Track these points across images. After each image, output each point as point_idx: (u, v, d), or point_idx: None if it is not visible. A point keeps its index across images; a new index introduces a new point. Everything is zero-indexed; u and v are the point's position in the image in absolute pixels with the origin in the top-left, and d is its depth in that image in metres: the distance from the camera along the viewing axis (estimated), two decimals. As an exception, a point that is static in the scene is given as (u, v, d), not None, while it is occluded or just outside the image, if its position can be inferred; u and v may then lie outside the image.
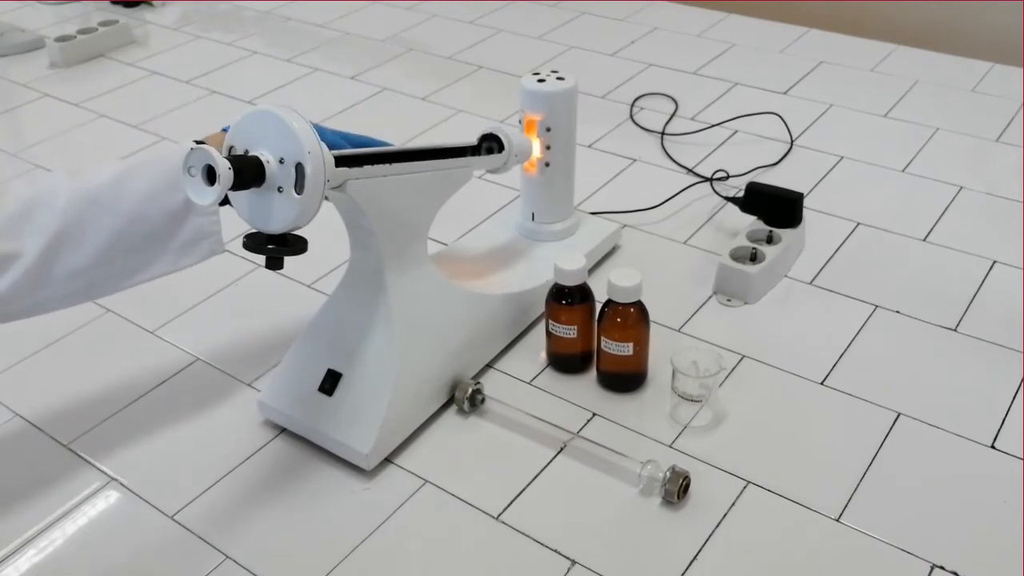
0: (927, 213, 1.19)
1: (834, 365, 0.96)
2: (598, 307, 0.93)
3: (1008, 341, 0.98)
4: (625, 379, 0.93)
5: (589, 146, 1.36)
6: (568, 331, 0.93)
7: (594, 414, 0.91)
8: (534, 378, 0.96)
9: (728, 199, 1.16)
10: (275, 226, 0.74)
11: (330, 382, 0.86)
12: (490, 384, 0.95)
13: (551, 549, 0.79)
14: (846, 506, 0.81)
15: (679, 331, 1.01)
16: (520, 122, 1.04)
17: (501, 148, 0.97)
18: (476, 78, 1.59)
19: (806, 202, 1.12)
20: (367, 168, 0.79)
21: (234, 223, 0.78)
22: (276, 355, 0.95)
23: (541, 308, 0.96)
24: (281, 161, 0.72)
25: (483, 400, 0.91)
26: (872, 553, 0.77)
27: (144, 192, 0.81)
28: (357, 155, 0.79)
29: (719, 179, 1.25)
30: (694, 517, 0.81)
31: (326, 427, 0.86)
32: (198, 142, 0.79)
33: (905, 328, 1.01)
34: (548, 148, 1.04)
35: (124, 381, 0.98)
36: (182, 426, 0.92)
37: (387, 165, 0.82)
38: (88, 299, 0.84)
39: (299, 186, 0.71)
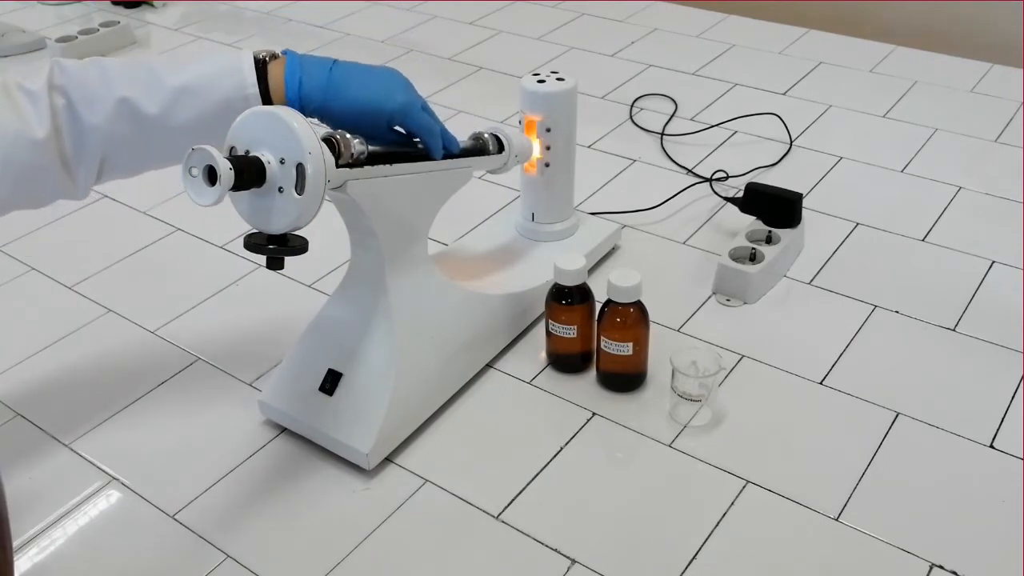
0: (926, 213, 1.19)
1: (833, 365, 0.96)
2: (598, 307, 0.93)
3: (1007, 341, 0.98)
4: (625, 379, 0.94)
5: (589, 146, 1.36)
6: (568, 331, 0.93)
7: (594, 414, 0.92)
8: (534, 378, 0.96)
9: (727, 199, 1.16)
10: (276, 226, 0.74)
11: (331, 382, 0.86)
12: (490, 384, 0.95)
13: (551, 548, 0.79)
14: (845, 505, 0.81)
15: (679, 331, 1.01)
16: (520, 122, 1.04)
17: (501, 149, 0.97)
18: (476, 79, 1.59)
19: (805, 202, 1.12)
20: (368, 168, 0.79)
21: (234, 223, 0.78)
22: (276, 355, 0.96)
23: (541, 308, 0.97)
24: (282, 161, 0.72)
25: None
26: (871, 552, 0.78)
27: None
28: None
29: (719, 179, 1.25)
30: (693, 516, 0.81)
31: (326, 427, 0.86)
32: (263, 60, 0.81)
33: (904, 328, 1.01)
34: (548, 148, 1.04)
35: (124, 381, 0.98)
36: (182, 426, 0.92)
37: (388, 166, 0.82)
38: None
39: (300, 186, 0.71)
